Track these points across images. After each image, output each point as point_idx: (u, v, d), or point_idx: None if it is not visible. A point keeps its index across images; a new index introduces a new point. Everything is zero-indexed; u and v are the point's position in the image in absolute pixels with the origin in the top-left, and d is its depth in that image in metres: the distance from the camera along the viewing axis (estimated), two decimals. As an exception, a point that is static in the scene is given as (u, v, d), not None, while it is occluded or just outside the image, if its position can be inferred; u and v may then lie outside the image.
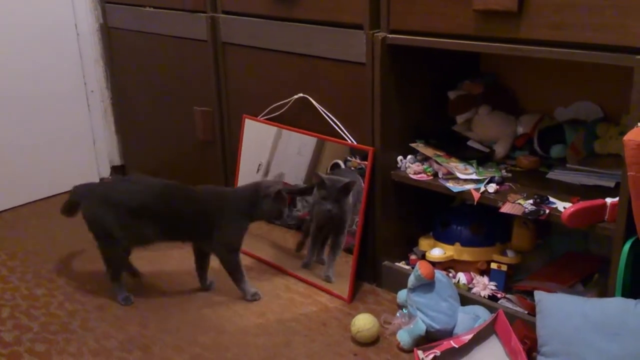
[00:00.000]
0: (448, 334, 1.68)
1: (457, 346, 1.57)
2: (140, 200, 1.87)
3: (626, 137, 1.31)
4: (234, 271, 1.95)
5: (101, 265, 1.96)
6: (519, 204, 1.63)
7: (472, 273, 1.88)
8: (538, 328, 1.48)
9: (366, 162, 1.88)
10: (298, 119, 2.07)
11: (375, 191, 1.90)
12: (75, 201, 1.96)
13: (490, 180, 1.75)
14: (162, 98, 2.57)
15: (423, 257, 1.95)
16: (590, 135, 1.79)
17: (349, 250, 1.96)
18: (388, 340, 1.74)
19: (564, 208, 1.55)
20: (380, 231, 1.95)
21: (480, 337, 1.60)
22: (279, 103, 2.10)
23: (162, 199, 1.89)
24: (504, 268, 1.82)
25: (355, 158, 1.93)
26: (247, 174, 2.24)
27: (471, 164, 1.87)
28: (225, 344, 1.75)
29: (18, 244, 2.37)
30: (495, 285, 1.81)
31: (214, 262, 1.97)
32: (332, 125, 1.96)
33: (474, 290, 1.82)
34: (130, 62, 2.68)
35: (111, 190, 1.92)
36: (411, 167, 1.89)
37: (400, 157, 1.92)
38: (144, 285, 2.07)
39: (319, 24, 1.90)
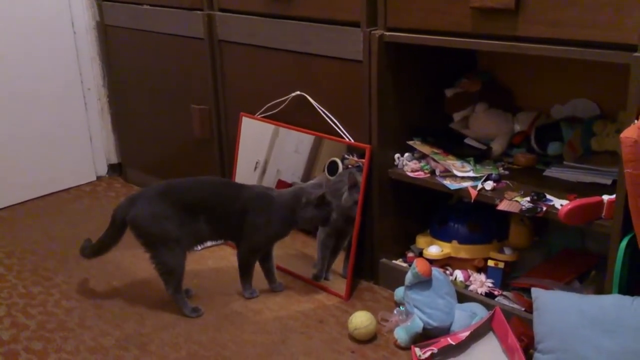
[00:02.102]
0: (445, 331, 1.69)
1: (454, 343, 1.57)
2: (194, 195, 1.84)
3: (623, 134, 1.32)
4: (247, 269, 1.95)
5: (98, 264, 1.96)
6: (516, 201, 1.63)
7: (469, 270, 1.88)
8: (535, 325, 1.49)
9: (363, 160, 1.88)
10: (295, 116, 2.06)
11: (373, 189, 1.90)
12: (121, 217, 1.83)
13: (488, 178, 1.76)
14: (159, 96, 2.56)
15: (420, 254, 1.95)
16: (587, 133, 1.80)
17: (346, 248, 1.96)
18: (385, 338, 1.74)
19: (561, 205, 1.55)
20: (378, 229, 1.95)
21: (477, 334, 1.60)
22: (276, 101, 2.10)
23: (214, 195, 1.86)
24: (501, 265, 1.83)
25: (353, 156, 1.93)
26: (244, 172, 2.24)
27: (468, 162, 1.87)
28: (222, 342, 1.75)
29: (15, 242, 2.37)
30: (492, 283, 1.82)
31: (216, 261, 1.97)
32: (329, 123, 1.96)
33: (471, 287, 1.83)
34: (127, 60, 2.67)
35: (163, 189, 1.85)
36: (408, 165, 1.89)
37: (397, 155, 1.92)
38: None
39: (316, 21, 1.90)
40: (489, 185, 1.72)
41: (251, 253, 1.93)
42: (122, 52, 2.69)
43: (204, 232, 1.86)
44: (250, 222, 1.86)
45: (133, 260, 2.14)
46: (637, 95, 1.35)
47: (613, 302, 1.41)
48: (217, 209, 1.85)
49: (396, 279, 1.90)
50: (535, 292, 1.51)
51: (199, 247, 1.88)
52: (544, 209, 1.58)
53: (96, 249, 1.93)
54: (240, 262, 1.94)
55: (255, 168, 2.20)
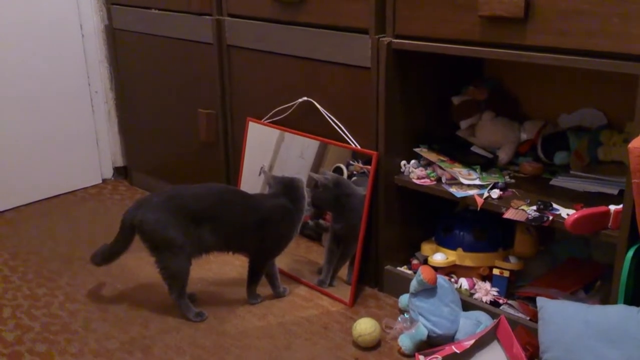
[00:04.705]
0: (449, 339, 1.68)
1: (458, 351, 1.57)
2: (201, 204, 1.82)
3: (631, 145, 1.32)
4: (258, 275, 1.95)
5: (103, 267, 1.96)
6: (523, 210, 1.63)
7: (474, 278, 1.88)
8: (540, 334, 1.48)
9: (369, 167, 1.88)
10: (302, 122, 2.07)
11: (378, 195, 1.90)
12: (129, 221, 1.82)
13: (494, 186, 1.76)
14: (166, 100, 2.57)
15: (425, 262, 1.95)
16: (594, 142, 1.79)
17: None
18: (389, 345, 1.74)
19: (568, 215, 1.55)
20: (383, 235, 1.95)
21: (482, 343, 1.59)
22: (283, 106, 2.11)
23: (223, 204, 1.85)
24: (506, 274, 1.82)
25: (358, 162, 1.94)
26: (250, 177, 2.24)
27: (475, 170, 1.87)
28: (226, 346, 1.75)
29: (20, 244, 2.37)
30: (497, 291, 1.81)
31: (220, 265, 1.96)
32: (335, 129, 1.96)
33: (475, 295, 1.82)
34: (134, 63, 2.68)
35: (170, 196, 1.84)
36: (414, 172, 1.89)
37: (403, 162, 1.92)
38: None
39: (324, 28, 1.91)
40: (495, 193, 1.72)
41: (268, 261, 1.93)
42: (130, 56, 2.70)
43: (210, 241, 1.84)
44: (272, 233, 1.88)
45: (138, 264, 2.14)
46: (645, 105, 1.35)
47: (618, 313, 1.41)
48: (225, 218, 1.84)
49: (401, 286, 1.90)
50: (541, 301, 1.51)
51: (204, 256, 1.88)
52: (551, 218, 1.58)
53: (107, 256, 1.91)
54: (254, 270, 1.94)
55: (260, 173, 2.20)
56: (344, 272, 1.99)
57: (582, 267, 1.84)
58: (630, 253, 1.43)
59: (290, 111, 2.09)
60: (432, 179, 1.86)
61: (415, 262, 2.01)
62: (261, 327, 1.84)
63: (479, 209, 1.71)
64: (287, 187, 1.90)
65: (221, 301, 1.97)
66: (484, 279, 1.88)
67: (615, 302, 1.47)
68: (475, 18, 1.58)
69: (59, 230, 2.47)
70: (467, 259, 1.88)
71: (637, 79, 1.35)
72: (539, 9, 1.47)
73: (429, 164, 1.91)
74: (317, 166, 2.04)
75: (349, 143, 1.94)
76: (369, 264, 1.99)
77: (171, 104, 2.55)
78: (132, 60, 2.69)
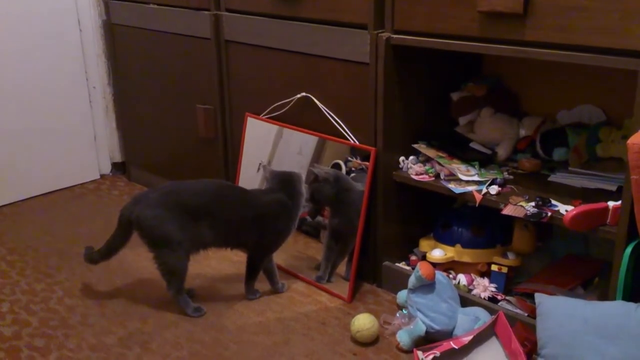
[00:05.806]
0: (448, 335, 1.68)
1: (456, 347, 1.57)
2: (198, 199, 1.82)
3: (629, 141, 1.31)
4: (256, 271, 1.94)
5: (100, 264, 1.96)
6: (521, 206, 1.63)
7: (472, 275, 1.88)
8: (538, 330, 1.48)
9: (367, 163, 1.88)
10: (300, 118, 2.07)
11: (377, 191, 1.90)
12: (126, 217, 1.81)
13: (492, 182, 1.76)
14: (164, 95, 2.57)
15: (423, 258, 1.95)
16: (593, 139, 1.79)
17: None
18: (388, 341, 1.74)
19: (566, 211, 1.55)
20: (381, 231, 1.95)
21: (480, 339, 1.60)
22: (281, 102, 2.10)
23: (220, 200, 1.85)
24: (505, 270, 1.82)
25: (356, 158, 1.93)
26: (248, 173, 2.24)
27: (473, 166, 1.87)
28: (224, 342, 1.75)
29: (18, 239, 2.37)
30: (496, 287, 1.81)
31: (218, 261, 1.95)
32: (334, 124, 1.96)
33: (474, 291, 1.82)
34: (132, 58, 2.67)
35: (168, 191, 1.83)
36: (413, 168, 1.89)
37: (402, 158, 1.92)
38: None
39: (323, 23, 1.90)
40: (494, 189, 1.72)
41: (266, 257, 1.93)
42: (128, 51, 2.69)
43: (207, 237, 1.84)
44: (270, 229, 1.87)
45: (136, 259, 2.14)
46: (644, 102, 1.35)
47: (617, 309, 1.41)
48: (223, 214, 1.84)
49: (399, 282, 1.90)
50: (539, 297, 1.51)
51: (202, 251, 1.87)
52: (549, 214, 1.58)
53: (104, 252, 1.90)
54: (252, 266, 1.94)
55: (259, 169, 2.20)
56: (342, 268, 1.99)
57: (581, 264, 1.85)
58: (629, 249, 1.43)
59: (288, 107, 2.09)
60: (431, 175, 1.86)
61: (413, 258, 2.01)
62: (259, 322, 1.84)
63: (477, 205, 1.71)
64: (284, 182, 1.90)
65: (219, 297, 1.97)
66: (482, 275, 1.88)
67: (613, 299, 1.47)
68: (474, 13, 1.57)
69: (57, 226, 2.47)
70: (466, 255, 1.88)
71: (636, 75, 1.35)
72: (538, 4, 1.47)
73: (427, 160, 1.91)
74: (315, 162, 2.04)
75: (347, 139, 1.94)
76: (367, 260, 1.99)
77: (169, 100, 2.55)
78: (130, 55, 2.69)
